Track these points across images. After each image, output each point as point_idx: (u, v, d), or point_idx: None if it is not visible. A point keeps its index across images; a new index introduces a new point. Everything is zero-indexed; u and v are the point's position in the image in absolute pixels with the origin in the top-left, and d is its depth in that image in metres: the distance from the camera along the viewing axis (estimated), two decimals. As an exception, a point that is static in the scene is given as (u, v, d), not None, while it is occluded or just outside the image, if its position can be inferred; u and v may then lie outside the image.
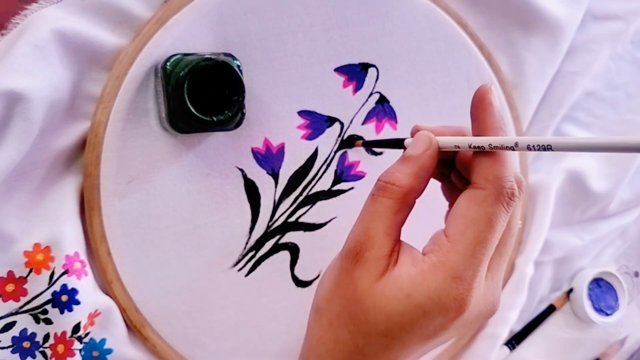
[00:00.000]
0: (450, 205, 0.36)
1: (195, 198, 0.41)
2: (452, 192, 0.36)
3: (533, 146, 0.27)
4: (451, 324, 0.30)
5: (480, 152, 0.30)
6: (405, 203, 0.31)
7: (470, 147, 0.30)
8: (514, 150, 0.28)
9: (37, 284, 0.37)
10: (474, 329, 0.31)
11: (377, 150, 0.46)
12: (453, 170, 0.35)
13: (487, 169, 0.30)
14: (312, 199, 0.44)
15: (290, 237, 0.44)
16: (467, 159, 0.33)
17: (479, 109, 0.31)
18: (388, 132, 0.46)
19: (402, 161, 0.32)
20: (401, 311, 0.29)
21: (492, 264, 0.31)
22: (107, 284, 0.40)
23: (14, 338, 0.37)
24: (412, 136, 0.34)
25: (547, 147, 0.27)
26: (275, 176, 0.43)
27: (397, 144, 0.37)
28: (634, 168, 0.57)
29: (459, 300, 0.29)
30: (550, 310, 0.57)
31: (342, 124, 0.45)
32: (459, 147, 0.31)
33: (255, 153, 0.42)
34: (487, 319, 0.32)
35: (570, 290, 0.57)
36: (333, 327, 0.31)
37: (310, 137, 0.44)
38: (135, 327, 0.41)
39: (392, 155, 0.46)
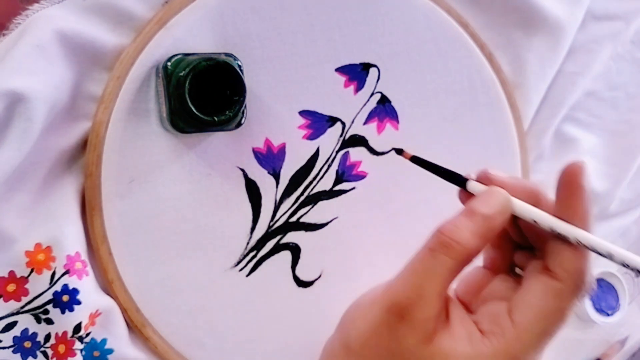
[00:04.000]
0: (492, 247, 0.34)
1: (196, 198, 0.41)
2: (501, 238, 0.33)
3: (630, 267, 0.26)
4: None
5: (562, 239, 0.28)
6: (465, 264, 0.29)
7: (552, 230, 0.28)
8: (604, 257, 0.27)
9: (38, 284, 0.37)
10: None
11: (378, 150, 0.46)
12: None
13: (568, 261, 0.28)
14: (313, 199, 0.44)
15: (291, 237, 0.44)
16: (538, 229, 0.31)
17: (568, 190, 0.29)
18: (389, 132, 0.46)
19: (470, 217, 0.29)
20: None
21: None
22: (108, 284, 0.40)
23: (15, 338, 0.37)
24: (479, 180, 0.31)
25: None
26: (277, 176, 0.43)
27: (456, 179, 0.33)
28: (634, 168, 0.57)
29: None
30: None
31: (343, 124, 0.45)
32: (537, 222, 0.29)
33: (256, 153, 0.42)
34: None
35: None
36: None
37: (311, 137, 0.44)
38: (136, 327, 0.41)
39: (395, 157, 0.46)
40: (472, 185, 0.31)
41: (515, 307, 0.29)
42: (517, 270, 0.34)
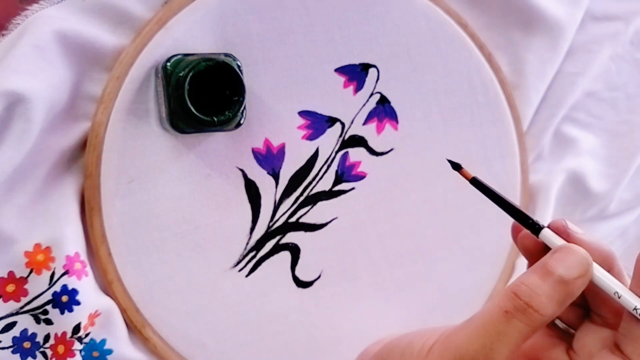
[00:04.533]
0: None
1: (196, 198, 0.41)
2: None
3: None
4: None
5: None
6: (538, 329, 0.27)
7: (634, 310, 0.26)
8: None
9: (37, 285, 0.37)
10: None
11: (378, 150, 0.46)
12: None
13: None
14: (312, 200, 0.44)
15: (290, 237, 0.44)
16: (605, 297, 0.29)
17: None
18: (389, 132, 0.46)
19: (547, 278, 0.27)
20: None
21: None
22: (107, 284, 0.40)
23: (14, 338, 0.37)
24: (551, 228, 0.29)
25: None
26: (276, 176, 0.43)
27: (526, 222, 0.30)
28: (634, 168, 0.57)
29: None
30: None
31: (343, 124, 0.45)
32: (619, 296, 0.27)
33: (255, 153, 0.42)
34: None
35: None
36: None
37: (311, 137, 0.44)
38: (135, 328, 0.41)
39: (395, 157, 0.46)
40: (548, 236, 0.29)
41: None
42: (558, 322, 0.32)
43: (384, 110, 0.46)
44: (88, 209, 0.39)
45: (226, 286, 0.43)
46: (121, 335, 0.40)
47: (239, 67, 0.38)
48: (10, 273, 0.37)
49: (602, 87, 0.56)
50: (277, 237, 0.44)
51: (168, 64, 0.37)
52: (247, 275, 0.43)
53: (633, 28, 0.56)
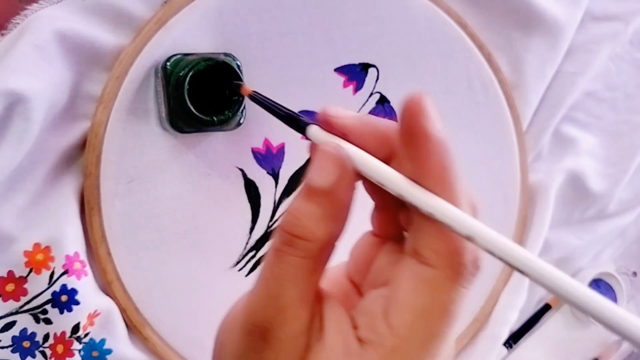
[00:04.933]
0: (378, 208, 0.26)
1: (196, 198, 0.41)
2: (378, 193, 0.25)
3: (491, 252, 0.20)
4: None
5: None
6: (325, 257, 0.23)
7: (401, 197, 0.21)
8: (469, 240, 0.21)
9: (37, 284, 0.37)
10: None
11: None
12: None
13: (437, 240, 0.21)
14: (312, 199, 0.44)
15: (290, 237, 0.44)
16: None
17: (411, 141, 0.21)
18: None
19: (309, 198, 0.23)
20: None
21: None
22: (107, 284, 0.40)
23: (14, 337, 0.37)
24: (319, 122, 0.24)
25: (519, 271, 0.20)
26: (276, 176, 0.43)
27: (296, 124, 0.26)
28: (633, 168, 0.57)
29: None
30: (546, 309, 0.57)
31: (342, 124, 0.45)
32: (384, 185, 0.22)
33: (255, 153, 0.42)
34: None
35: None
36: None
37: (310, 137, 0.44)
38: (135, 327, 0.41)
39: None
40: (314, 133, 0.24)
41: (390, 306, 0.22)
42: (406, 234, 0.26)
43: (383, 110, 0.46)
44: (88, 208, 0.39)
45: (225, 286, 0.43)
46: (121, 335, 0.40)
47: (238, 66, 0.38)
48: (10, 272, 0.37)
49: (601, 87, 0.56)
50: (277, 237, 0.44)
51: (168, 63, 0.37)
52: (246, 275, 0.43)
53: (632, 28, 0.57)
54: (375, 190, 0.24)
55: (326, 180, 0.22)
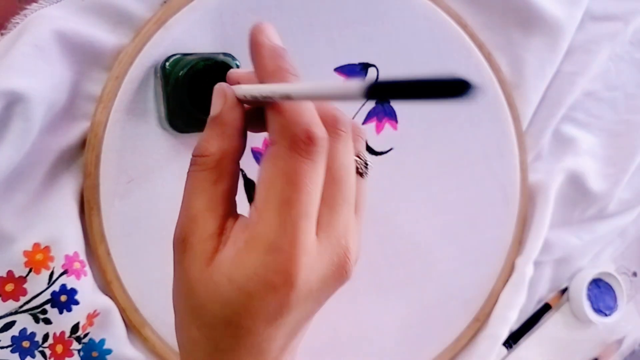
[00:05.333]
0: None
1: (195, 198, 0.41)
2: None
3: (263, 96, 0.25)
4: (288, 299, 0.25)
5: (268, 104, 0.27)
6: (223, 170, 0.28)
7: (251, 97, 0.27)
8: (286, 99, 0.25)
9: (36, 284, 0.37)
10: (330, 296, 0.28)
11: (377, 149, 0.46)
12: None
13: (274, 122, 0.26)
14: (311, 199, 0.44)
15: (290, 237, 0.44)
16: None
17: (252, 54, 0.28)
18: (388, 132, 0.46)
19: (207, 127, 0.29)
20: (228, 297, 0.26)
21: (322, 220, 0.27)
22: (106, 284, 0.40)
23: (13, 337, 0.37)
24: (228, 81, 0.30)
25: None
26: (275, 176, 0.43)
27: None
28: (633, 168, 0.57)
29: (283, 272, 0.25)
30: (545, 308, 0.57)
31: (342, 124, 0.45)
32: (255, 97, 0.27)
33: (254, 153, 0.42)
34: (341, 280, 0.28)
35: (565, 289, 0.57)
36: (184, 327, 0.29)
37: (310, 137, 0.44)
38: (134, 327, 0.41)
39: (394, 157, 0.46)
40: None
41: (255, 190, 0.27)
42: None
43: (383, 110, 0.46)
44: (87, 208, 0.39)
45: (225, 286, 0.43)
46: (120, 335, 0.40)
47: (238, 66, 0.38)
48: (10, 272, 0.37)
49: (601, 87, 0.56)
50: (277, 237, 0.44)
51: (167, 63, 0.37)
52: (246, 275, 0.43)
53: (632, 28, 0.57)
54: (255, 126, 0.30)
55: (215, 109, 0.28)
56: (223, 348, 0.27)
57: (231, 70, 0.30)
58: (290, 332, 0.28)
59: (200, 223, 0.27)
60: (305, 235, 0.25)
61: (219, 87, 0.29)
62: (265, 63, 0.27)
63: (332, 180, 0.27)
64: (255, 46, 0.28)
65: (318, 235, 0.26)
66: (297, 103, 0.26)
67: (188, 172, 0.28)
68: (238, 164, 0.29)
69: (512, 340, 0.55)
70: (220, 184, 0.28)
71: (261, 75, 0.27)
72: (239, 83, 0.30)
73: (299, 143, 0.25)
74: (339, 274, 0.28)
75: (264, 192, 0.26)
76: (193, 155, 0.28)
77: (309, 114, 0.26)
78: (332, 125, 0.27)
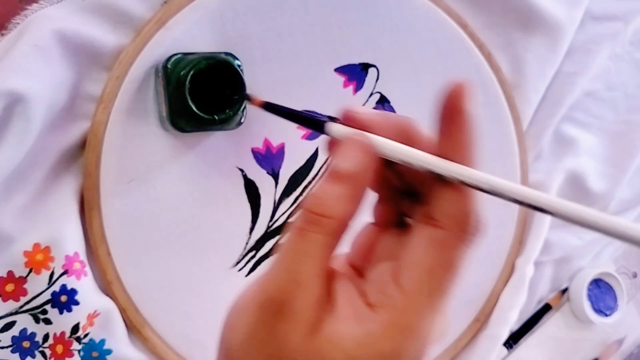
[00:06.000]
0: (380, 201, 0.29)
1: (195, 198, 0.41)
2: (382, 186, 0.28)
3: (515, 199, 0.23)
4: None
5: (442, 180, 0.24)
6: (340, 233, 0.25)
7: (426, 170, 0.24)
8: (485, 192, 0.23)
9: (36, 284, 0.37)
10: None
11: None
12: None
13: (450, 205, 0.24)
14: (312, 199, 0.44)
15: (290, 237, 0.44)
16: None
17: (447, 118, 0.25)
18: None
19: (332, 180, 0.25)
20: None
21: None
22: (106, 284, 0.40)
23: (13, 338, 0.37)
24: (343, 120, 0.27)
25: (540, 209, 0.22)
26: (276, 176, 0.43)
27: (315, 124, 0.28)
28: (633, 168, 0.57)
29: (415, 357, 0.24)
30: (546, 309, 0.57)
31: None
32: (410, 163, 0.25)
33: (255, 153, 0.42)
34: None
35: (565, 289, 0.57)
36: None
37: (310, 137, 0.44)
38: (135, 328, 0.41)
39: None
40: (335, 130, 0.26)
41: (401, 269, 0.25)
42: (408, 220, 0.28)
43: (383, 110, 0.46)
44: (87, 208, 0.39)
45: (226, 286, 0.42)
46: (120, 335, 0.40)
47: (239, 66, 0.38)
48: (10, 272, 0.37)
49: (601, 87, 0.56)
50: (277, 237, 0.44)
51: (168, 63, 0.37)
52: (246, 275, 0.43)
53: (632, 28, 0.57)
54: (381, 184, 0.27)
55: (351, 164, 0.25)
56: None
57: (350, 108, 0.26)
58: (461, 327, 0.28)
59: (308, 289, 0.24)
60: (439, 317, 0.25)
61: (360, 137, 0.25)
62: (462, 137, 0.24)
63: None
64: (458, 113, 0.24)
65: None
66: (472, 195, 0.24)
67: (299, 227, 0.25)
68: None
69: (512, 341, 0.55)
70: (333, 248, 0.25)
71: (451, 147, 0.24)
72: (364, 128, 0.26)
73: (471, 234, 0.24)
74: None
75: (420, 277, 0.24)
76: (311, 211, 0.25)
77: (477, 203, 0.25)
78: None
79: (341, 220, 0.25)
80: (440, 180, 0.24)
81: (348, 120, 0.26)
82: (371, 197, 0.27)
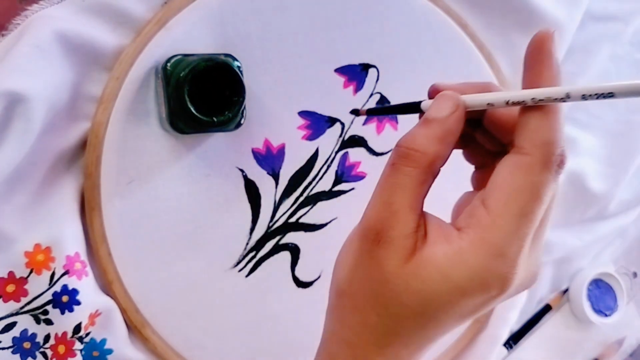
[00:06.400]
0: (478, 168, 0.33)
1: (196, 198, 0.41)
2: (479, 155, 0.32)
3: (590, 95, 0.24)
4: (492, 302, 0.28)
5: (526, 109, 0.27)
6: (431, 172, 0.28)
7: (507, 103, 0.27)
8: (564, 101, 0.25)
9: (37, 285, 0.37)
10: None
11: (378, 150, 0.46)
12: (478, 129, 0.31)
13: (534, 132, 0.26)
14: (312, 200, 0.44)
15: (290, 237, 0.44)
16: (499, 118, 0.29)
17: (535, 59, 0.27)
18: (389, 133, 0.46)
19: (425, 124, 0.28)
20: (438, 292, 0.27)
21: (534, 233, 0.28)
22: (107, 284, 0.40)
23: (14, 339, 0.37)
24: (430, 97, 0.30)
25: (607, 95, 0.24)
26: (276, 176, 0.43)
27: (412, 108, 0.32)
28: (633, 169, 0.57)
29: (502, 278, 0.26)
30: (546, 309, 0.57)
31: (342, 124, 0.45)
32: (492, 104, 0.27)
33: (255, 153, 0.42)
34: (528, 288, 0.30)
35: (566, 290, 0.57)
36: (359, 310, 0.29)
37: (310, 137, 0.44)
38: (135, 328, 0.41)
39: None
40: (426, 104, 0.30)
41: (487, 193, 0.27)
42: None
43: (383, 111, 0.46)
44: (88, 209, 0.39)
45: (226, 286, 0.43)
46: (121, 335, 0.40)
47: (239, 67, 0.38)
48: (10, 273, 0.37)
49: (601, 87, 0.56)
50: (277, 237, 0.44)
51: (168, 64, 0.37)
52: (247, 276, 0.43)
53: (632, 28, 0.57)
54: (474, 151, 0.32)
55: (442, 112, 0.28)
56: (400, 334, 0.28)
57: (438, 82, 0.30)
58: (462, 324, 0.30)
59: (402, 219, 0.27)
60: (528, 246, 0.27)
61: (450, 93, 0.29)
62: (549, 73, 0.27)
63: (552, 200, 0.28)
64: (544, 54, 0.27)
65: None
66: (560, 121, 0.26)
67: (393, 163, 0.28)
68: (439, 171, 0.29)
69: (512, 341, 0.55)
70: (425, 185, 0.28)
71: (536, 82, 0.27)
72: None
73: (554, 162, 0.26)
74: (530, 282, 0.29)
75: (506, 197, 0.26)
76: (403, 147, 0.28)
77: (563, 136, 0.27)
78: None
79: (431, 157, 0.27)
80: (525, 112, 0.26)
81: (436, 92, 0.30)
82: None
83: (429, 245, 0.27)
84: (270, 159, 0.43)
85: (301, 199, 0.44)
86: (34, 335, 0.38)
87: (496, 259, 0.26)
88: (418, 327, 0.28)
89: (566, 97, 0.25)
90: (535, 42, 0.27)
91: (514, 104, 0.27)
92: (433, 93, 0.30)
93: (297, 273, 0.45)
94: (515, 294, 0.29)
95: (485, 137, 0.31)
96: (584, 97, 0.24)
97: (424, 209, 0.29)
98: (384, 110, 0.40)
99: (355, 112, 0.39)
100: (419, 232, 0.28)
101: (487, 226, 0.26)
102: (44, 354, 0.38)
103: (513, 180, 0.26)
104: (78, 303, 0.38)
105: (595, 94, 0.24)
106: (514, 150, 0.27)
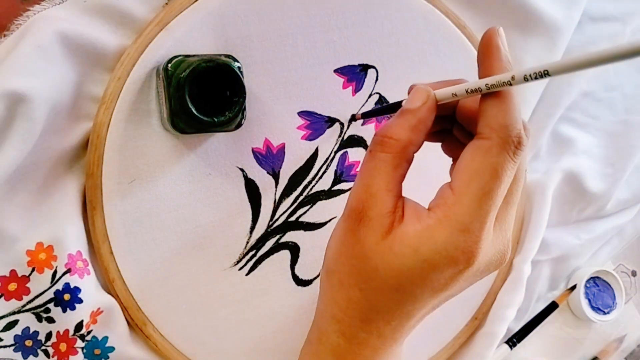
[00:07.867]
0: (454, 160, 0.35)
1: (197, 198, 0.41)
2: (455, 148, 0.35)
3: (530, 75, 0.26)
4: (461, 275, 0.30)
5: (484, 99, 0.29)
6: (404, 157, 0.31)
7: (467, 92, 0.29)
8: (510, 85, 0.27)
9: (39, 283, 0.37)
10: (483, 277, 0.32)
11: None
12: (454, 125, 0.34)
13: (491, 118, 0.29)
14: (312, 199, 0.45)
15: (290, 236, 0.44)
16: (469, 111, 0.32)
17: (486, 53, 0.30)
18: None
19: (400, 115, 0.31)
20: (410, 266, 0.29)
21: (499, 213, 0.31)
22: (109, 282, 0.40)
23: (16, 337, 0.37)
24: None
25: (544, 74, 0.26)
26: (276, 176, 0.44)
27: (396, 107, 0.35)
28: (631, 168, 0.57)
29: (467, 252, 0.29)
30: (553, 307, 0.57)
31: (342, 124, 0.45)
32: (456, 94, 0.30)
33: (255, 153, 0.43)
34: (498, 268, 0.32)
35: (573, 287, 0.57)
36: (344, 287, 0.32)
37: (310, 137, 0.44)
38: (136, 326, 0.41)
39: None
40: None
41: (452, 176, 0.30)
42: None
43: (382, 111, 0.46)
44: (90, 208, 0.39)
45: (226, 285, 0.43)
46: (122, 333, 0.40)
47: (239, 68, 0.38)
48: (12, 272, 0.37)
49: (599, 87, 0.57)
50: (277, 236, 0.44)
51: (169, 64, 0.37)
52: (247, 274, 0.43)
53: (630, 29, 0.57)
54: (451, 145, 0.35)
55: (414, 103, 0.31)
56: (380, 309, 0.31)
57: (418, 83, 0.33)
58: (436, 304, 0.32)
59: (379, 200, 0.30)
60: (491, 223, 0.30)
61: (422, 87, 0.32)
62: (499, 64, 0.29)
63: (515, 181, 0.31)
64: (492, 48, 0.30)
65: (494, 225, 0.31)
66: (514, 106, 0.29)
67: (370, 150, 0.31)
68: (413, 157, 0.32)
69: (516, 339, 0.55)
70: (399, 169, 0.31)
71: (488, 73, 0.29)
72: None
73: (511, 144, 0.28)
74: (501, 260, 0.32)
75: (467, 178, 0.29)
76: (379, 135, 0.31)
77: (520, 119, 0.29)
78: (525, 132, 0.30)
79: (403, 143, 0.30)
80: (483, 101, 0.29)
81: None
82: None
83: (403, 225, 0.30)
84: (270, 159, 0.43)
85: (301, 198, 0.44)
86: (35, 333, 0.38)
87: (461, 234, 0.29)
88: (395, 302, 0.31)
89: (512, 80, 0.27)
90: (485, 39, 0.30)
91: (473, 91, 0.29)
92: (411, 91, 0.33)
93: (296, 271, 0.45)
94: (486, 272, 0.32)
95: (459, 131, 0.34)
96: (526, 79, 0.27)
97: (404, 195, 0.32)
98: (376, 112, 0.43)
99: (353, 118, 0.44)
100: (397, 213, 0.31)
101: (452, 205, 0.29)
102: (46, 352, 0.38)
103: (474, 162, 0.29)
104: (80, 301, 0.38)
105: (534, 74, 0.26)
106: (476, 136, 0.29)
